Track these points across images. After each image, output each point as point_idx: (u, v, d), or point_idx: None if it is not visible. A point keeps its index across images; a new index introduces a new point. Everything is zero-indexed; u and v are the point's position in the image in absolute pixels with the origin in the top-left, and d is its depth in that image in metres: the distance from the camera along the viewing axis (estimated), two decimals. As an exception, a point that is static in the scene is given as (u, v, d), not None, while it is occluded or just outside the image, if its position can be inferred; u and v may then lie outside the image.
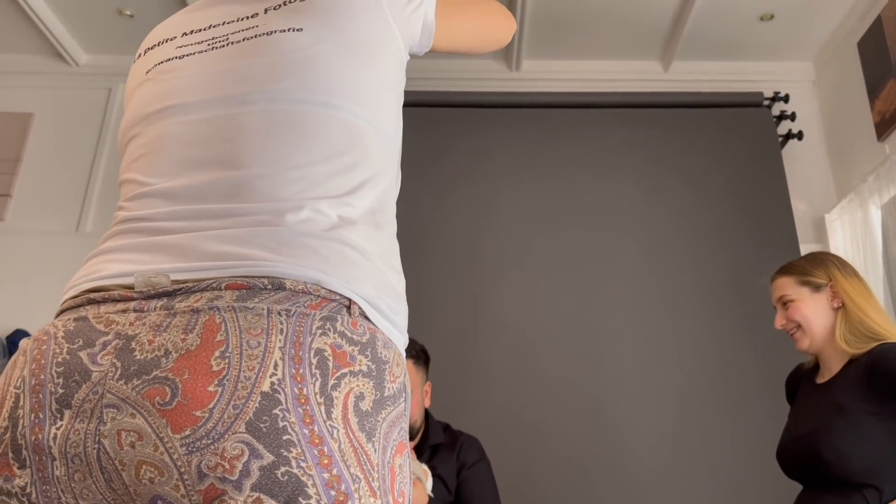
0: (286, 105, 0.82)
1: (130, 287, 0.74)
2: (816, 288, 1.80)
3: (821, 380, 1.82)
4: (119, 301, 0.74)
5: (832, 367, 1.79)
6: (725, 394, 2.85)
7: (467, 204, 3.16)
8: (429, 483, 1.90)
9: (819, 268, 1.81)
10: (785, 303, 1.83)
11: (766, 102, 3.37)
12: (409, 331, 2.18)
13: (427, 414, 2.09)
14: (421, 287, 2.99)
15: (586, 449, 2.78)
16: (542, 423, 2.81)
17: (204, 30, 0.93)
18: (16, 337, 3.04)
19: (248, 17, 0.92)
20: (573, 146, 3.26)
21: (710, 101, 3.34)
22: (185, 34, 0.94)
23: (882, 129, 3.02)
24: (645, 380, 2.89)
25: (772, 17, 3.24)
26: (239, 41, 0.89)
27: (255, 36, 0.88)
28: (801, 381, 1.92)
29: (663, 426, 2.82)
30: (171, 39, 0.95)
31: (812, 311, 1.79)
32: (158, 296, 0.73)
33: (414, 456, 1.94)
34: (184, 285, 0.72)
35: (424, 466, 1.93)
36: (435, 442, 2.04)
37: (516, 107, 3.32)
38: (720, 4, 3.17)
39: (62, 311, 0.79)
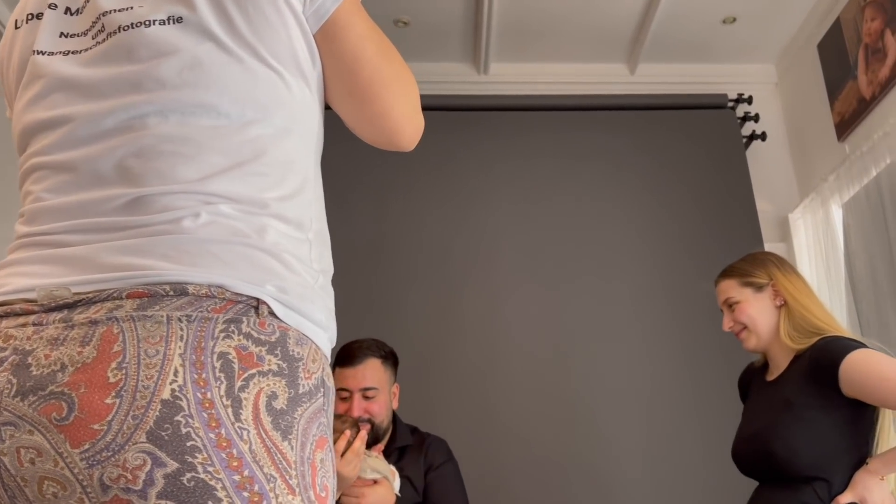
0: (178, 116, 0.80)
1: (33, 301, 0.73)
2: (759, 288, 1.84)
3: (770, 377, 1.86)
4: (20, 315, 0.73)
5: (780, 363, 1.83)
6: (694, 393, 2.89)
7: (435, 207, 3.16)
8: (396, 483, 1.90)
9: (759, 268, 1.86)
10: (730, 305, 1.87)
11: (731, 104, 3.42)
12: (379, 333, 2.19)
13: (395, 416, 2.09)
14: (390, 291, 2.99)
15: (556, 449, 2.80)
16: (512, 424, 2.82)
17: (81, 9, 0.89)
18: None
19: None
20: (541, 148, 3.28)
21: (676, 102, 3.38)
22: (69, 11, 0.89)
23: (842, 130, 3.08)
24: (613, 380, 2.91)
25: (734, 20, 3.29)
26: (115, 31, 0.84)
27: (133, 25, 0.83)
28: (753, 379, 1.95)
29: (632, 426, 2.85)
30: (52, 7, 0.90)
31: (756, 311, 1.83)
32: (59, 308, 0.72)
33: (382, 456, 1.94)
34: (85, 297, 0.71)
35: (392, 466, 1.93)
36: (402, 444, 2.04)
37: (484, 110, 3.34)
38: (683, 8, 3.21)
39: None
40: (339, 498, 1.81)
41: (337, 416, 1.91)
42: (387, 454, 1.99)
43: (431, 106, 3.30)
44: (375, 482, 1.84)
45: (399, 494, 1.89)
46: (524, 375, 2.90)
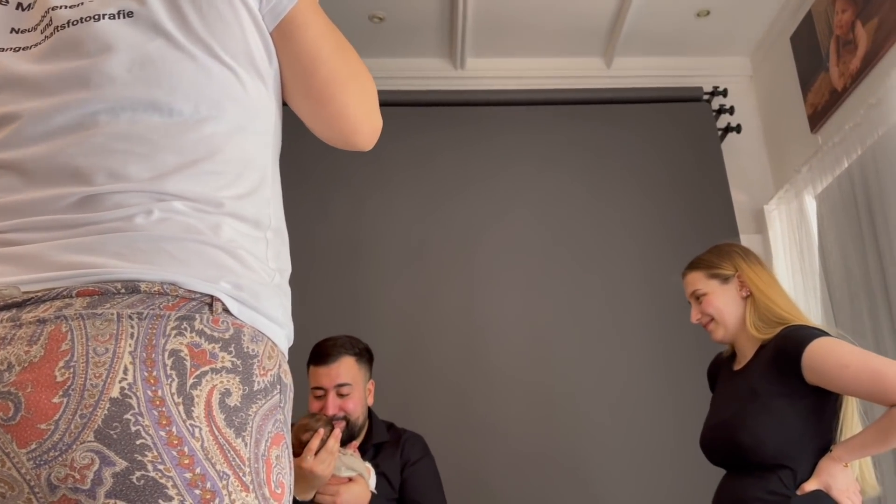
0: (129, 114, 0.79)
1: None
2: (725, 279, 1.86)
3: (737, 367, 1.88)
4: None
5: (746, 353, 1.85)
6: (671, 385, 2.90)
7: (412, 202, 3.16)
8: (372, 480, 1.90)
9: (725, 259, 1.88)
10: (697, 297, 1.89)
11: (706, 97, 3.44)
12: (357, 330, 2.19)
13: (370, 413, 2.09)
14: (367, 286, 2.99)
15: (533, 444, 2.81)
16: (490, 419, 2.83)
17: (32, 4, 0.88)
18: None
19: None
20: (517, 143, 3.29)
21: (652, 96, 3.40)
22: (20, 7, 0.88)
23: (815, 121, 3.11)
24: (591, 374, 2.93)
25: (708, 13, 3.31)
26: (63, 26, 0.83)
27: (81, 20, 0.82)
28: (720, 369, 1.98)
29: (610, 420, 2.86)
30: (4, 3, 0.89)
31: (723, 302, 1.85)
32: (7, 307, 0.71)
33: (357, 453, 1.94)
34: (34, 295, 0.71)
35: (367, 464, 1.93)
36: (378, 440, 2.04)
37: (460, 105, 3.34)
38: (657, 2, 3.22)
39: None
40: (315, 496, 1.81)
41: (311, 415, 1.91)
42: (363, 451, 2.00)
43: (407, 101, 3.31)
44: (351, 480, 1.85)
45: (375, 491, 1.89)
46: (502, 370, 2.91)
